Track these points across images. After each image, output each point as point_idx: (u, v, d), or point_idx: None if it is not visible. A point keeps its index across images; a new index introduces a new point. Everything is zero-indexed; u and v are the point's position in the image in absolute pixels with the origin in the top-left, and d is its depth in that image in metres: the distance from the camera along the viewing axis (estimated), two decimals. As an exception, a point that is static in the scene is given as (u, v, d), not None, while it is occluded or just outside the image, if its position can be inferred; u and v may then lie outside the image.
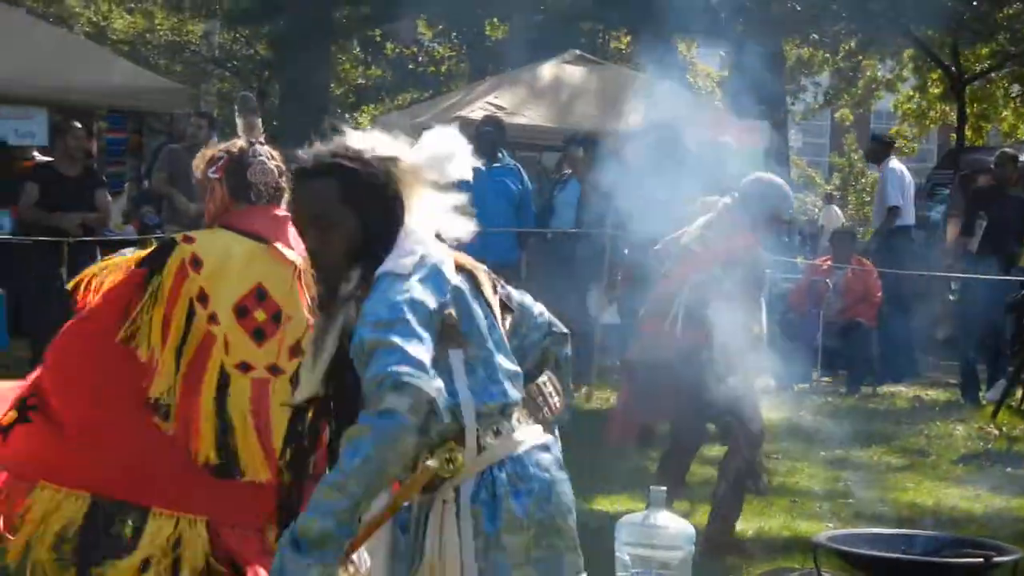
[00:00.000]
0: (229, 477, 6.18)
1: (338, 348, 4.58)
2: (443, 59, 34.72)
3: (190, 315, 6.23)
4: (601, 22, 28.77)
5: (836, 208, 30.79)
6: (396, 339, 4.30)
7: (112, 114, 21.72)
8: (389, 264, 4.51)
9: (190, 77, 33.99)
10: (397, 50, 34.94)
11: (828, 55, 32.52)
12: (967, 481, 12.34)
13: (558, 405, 5.03)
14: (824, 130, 45.03)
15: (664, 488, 8.68)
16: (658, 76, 24.06)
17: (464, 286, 4.67)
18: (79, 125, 17.46)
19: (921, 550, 8.77)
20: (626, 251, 15.23)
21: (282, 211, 6.37)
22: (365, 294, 4.50)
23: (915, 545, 8.87)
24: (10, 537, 6.14)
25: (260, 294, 6.27)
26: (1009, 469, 12.71)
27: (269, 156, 6.54)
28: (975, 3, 27.62)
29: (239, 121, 7.02)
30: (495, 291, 4.84)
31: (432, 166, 4.77)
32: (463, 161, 4.87)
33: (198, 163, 6.56)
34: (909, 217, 17.97)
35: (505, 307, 4.88)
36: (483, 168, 16.90)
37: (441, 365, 4.45)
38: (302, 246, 6.07)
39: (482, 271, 4.83)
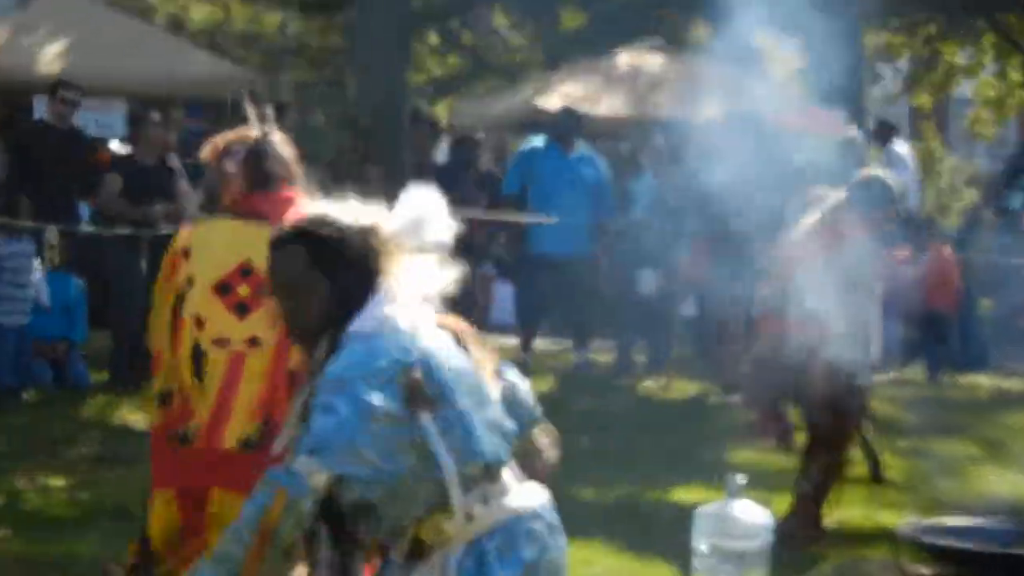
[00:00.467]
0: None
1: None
2: (519, 48, 34.73)
3: (182, 301, 6.33)
4: (679, 10, 28.74)
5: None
6: (339, 403, 4.37)
7: (191, 104, 21.83)
8: (355, 325, 4.55)
9: (266, 67, 34.11)
10: (473, 40, 35.01)
11: (906, 41, 32.39)
12: (1047, 472, 12.35)
13: (553, 459, 5.05)
14: (903, 116, 44.80)
15: (742, 478, 8.77)
16: (737, 65, 24.13)
17: (442, 345, 4.67)
18: (157, 116, 17.60)
19: (1001, 542, 8.79)
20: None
21: (290, 192, 6.45)
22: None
23: (994, 536, 8.89)
24: None
25: (245, 271, 6.28)
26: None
27: (283, 144, 6.61)
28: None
29: (251, 110, 7.06)
30: (486, 355, 4.85)
31: (410, 232, 4.72)
32: (440, 224, 4.76)
33: (209, 152, 6.60)
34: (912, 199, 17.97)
35: (497, 373, 4.90)
36: (561, 156, 17.10)
37: (414, 427, 4.48)
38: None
39: (471, 334, 4.83)
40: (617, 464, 12.35)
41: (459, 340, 4.76)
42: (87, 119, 17.68)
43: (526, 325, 17.10)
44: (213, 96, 21.89)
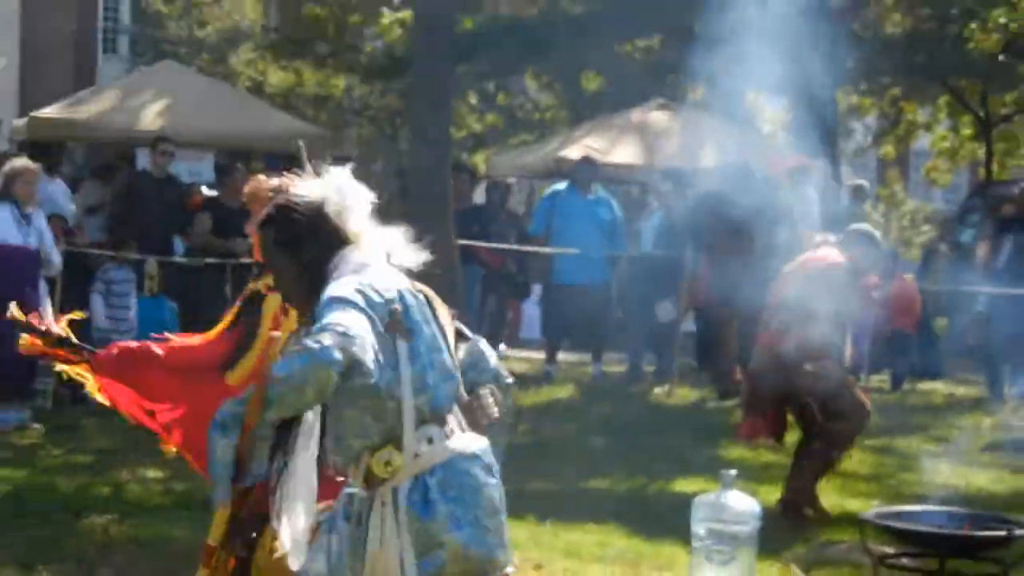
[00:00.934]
0: None
1: None
2: (546, 108, 34.74)
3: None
4: (682, 74, 28.76)
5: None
6: (339, 309, 4.33)
7: (268, 156, 21.87)
8: (331, 288, 4.50)
9: (333, 125, 34.14)
10: (507, 100, 35.02)
11: (874, 101, 32.36)
12: (992, 465, 12.29)
13: (497, 415, 4.86)
14: (871, 165, 44.68)
15: (734, 472, 8.75)
16: (730, 121, 24.09)
17: (414, 300, 4.66)
18: (240, 166, 17.63)
19: (953, 525, 8.77)
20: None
21: None
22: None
23: (948, 520, 8.88)
24: None
25: None
26: (1028, 456, 12.67)
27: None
28: (1001, 58, 27.48)
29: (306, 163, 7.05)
30: (452, 318, 4.84)
31: (344, 202, 4.75)
32: (360, 195, 4.79)
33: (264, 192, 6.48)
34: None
35: (461, 335, 4.88)
36: (581, 199, 17.10)
37: (389, 350, 4.47)
38: None
39: (438, 300, 4.82)
40: (627, 460, 12.33)
41: (428, 300, 4.76)
42: (181, 168, 17.75)
43: (550, 342, 17.12)
44: (287, 149, 21.94)
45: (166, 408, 6.32)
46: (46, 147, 18.69)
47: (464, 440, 4.67)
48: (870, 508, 9.36)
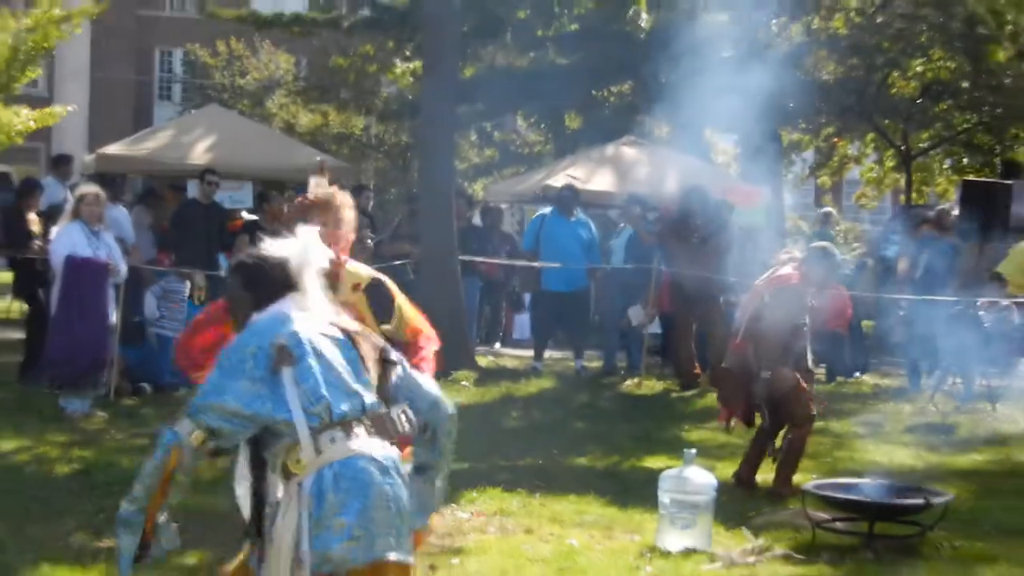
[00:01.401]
0: None
1: None
2: (534, 143, 34.73)
3: None
4: (649, 115, 28.78)
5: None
6: (214, 372, 4.72)
7: (299, 186, 21.85)
8: (254, 319, 4.88)
9: (354, 158, 34.13)
10: (502, 137, 35.00)
11: (812, 138, 32.42)
12: (912, 445, 12.29)
13: (407, 431, 4.92)
14: (810, 192, 44.73)
15: (694, 450, 8.75)
16: (689, 154, 24.09)
17: (315, 332, 4.81)
18: (275, 194, 17.60)
19: (880, 494, 8.79)
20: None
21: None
22: None
23: (875, 491, 8.89)
24: None
25: None
26: (942, 436, 12.64)
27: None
28: (919, 101, 27.56)
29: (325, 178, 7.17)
30: (377, 354, 4.96)
31: (302, 259, 4.98)
32: (320, 255, 5.03)
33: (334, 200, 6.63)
34: None
35: (387, 362, 4.98)
36: (564, 221, 17.06)
37: (273, 381, 4.66)
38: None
39: (365, 337, 4.98)
40: (604, 441, 12.32)
41: (350, 337, 4.91)
42: (224, 196, 17.72)
43: (539, 341, 17.10)
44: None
45: None
46: (111, 178, 18.66)
47: (366, 444, 4.74)
48: (809, 481, 9.36)
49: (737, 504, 9.58)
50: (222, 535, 7.52)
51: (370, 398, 4.80)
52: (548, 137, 33.37)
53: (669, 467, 8.97)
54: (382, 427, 4.81)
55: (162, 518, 4.78)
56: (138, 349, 14.36)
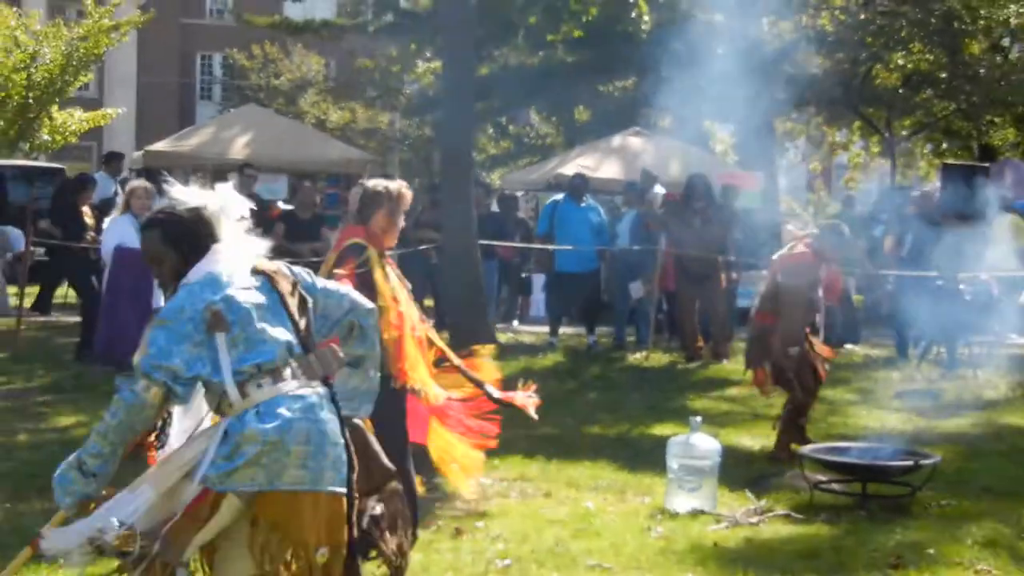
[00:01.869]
0: None
1: None
2: (546, 135, 34.65)
3: None
4: (652, 108, 28.67)
5: (791, 227, 30.20)
6: (158, 334, 4.47)
7: (330, 177, 21.83)
8: (186, 278, 4.61)
9: (380, 151, 34.10)
10: (516, 130, 34.94)
11: (803, 127, 32.31)
12: (901, 409, 12.19)
13: (335, 369, 4.80)
14: (802, 176, 44.57)
15: (699, 418, 8.67)
16: (689, 143, 23.98)
17: (244, 286, 4.61)
18: (308, 184, 17.55)
19: (871, 456, 8.73)
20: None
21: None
22: None
23: (867, 453, 8.86)
24: None
25: None
26: (929, 401, 12.53)
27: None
28: (901, 91, 27.44)
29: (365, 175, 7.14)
30: (294, 288, 4.75)
31: (225, 207, 4.76)
32: (236, 204, 4.81)
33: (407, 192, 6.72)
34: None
35: (304, 297, 4.78)
36: (575, 206, 16.95)
37: (210, 344, 4.48)
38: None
39: (281, 273, 4.76)
40: (615, 410, 12.25)
41: (270, 279, 4.70)
42: (261, 188, 17.67)
43: (553, 318, 17.02)
44: (345, 171, 21.90)
45: None
46: (157, 173, 18.60)
47: (292, 385, 4.58)
48: (806, 445, 9.29)
49: (740, 468, 9.49)
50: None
51: (293, 341, 4.64)
52: (559, 129, 33.30)
53: (676, 434, 8.88)
54: (308, 367, 4.64)
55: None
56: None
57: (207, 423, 4.69)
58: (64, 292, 19.32)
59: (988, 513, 8.27)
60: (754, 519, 8.08)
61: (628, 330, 16.95)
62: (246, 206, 4.83)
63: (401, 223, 6.78)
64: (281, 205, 17.86)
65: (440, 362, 6.95)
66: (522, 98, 28.68)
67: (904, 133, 30.82)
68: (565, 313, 17.48)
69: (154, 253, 4.69)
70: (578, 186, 16.80)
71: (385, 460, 5.45)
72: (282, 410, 4.49)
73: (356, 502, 4.69)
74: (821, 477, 8.77)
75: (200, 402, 4.71)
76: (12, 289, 18.06)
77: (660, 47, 22.67)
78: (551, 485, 9.01)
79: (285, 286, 4.70)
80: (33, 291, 18.29)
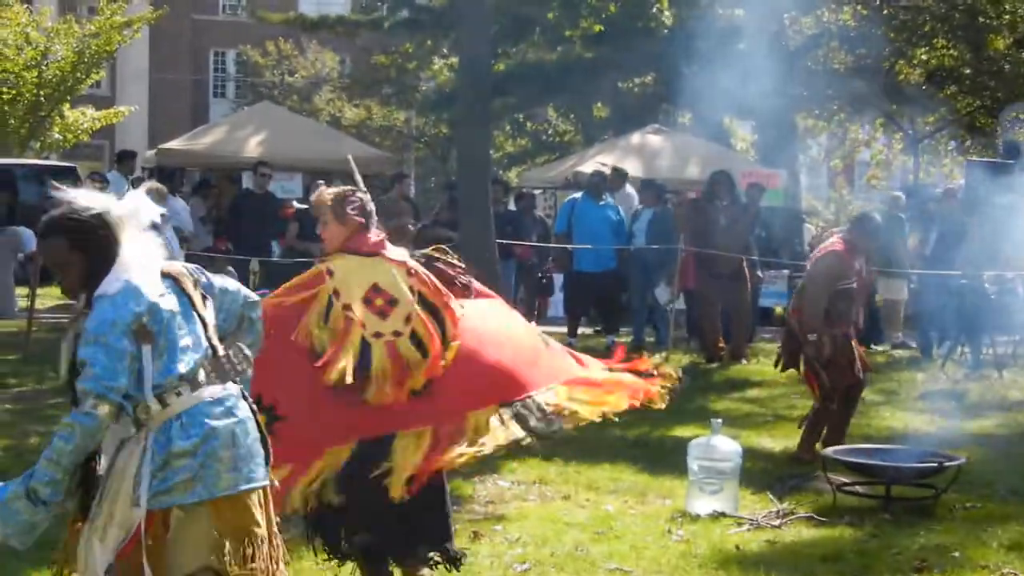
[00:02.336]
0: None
1: (74, 349, 4.55)
2: (564, 132, 34.66)
3: (330, 305, 6.12)
4: (672, 104, 28.66)
5: (809, 226, 29.95)
6: (98, 354, 4.39)
7: (345, 176, 21.87)
8: (101, 288, 4.51)
9: (396, 149, 34.14)
10: (534, 127, 34.96)
11: (825, 123, 32.26)
12: (925, 411, 12.16)
13: (244, 368, 4.82)
14: (823, 174, 44.49)
15: (720, 420, 8.67)
16: (708, 140, 23.96)
17: (161, 293, 4.59)
18: (323, 183, 17.51)
19: (895, 458, 8.72)
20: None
21: (378, 234, 6.30)
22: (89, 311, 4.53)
23: (891, 455, 8.84)
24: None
25: (376, 288, 6.14)
26: (953, 402, 12.50)
27: (369, 199, 6.45)
28: (924, 88, 27.40)
29: (358, 178, 6.99)
30: (196, 287, 4.72)
31: (132, 214, 4.66)
32: (149, 211, 4.73)
33: (326, 199, 6.34)
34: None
35: (205, 296, 4.76)
36: (594, 205, 16.92)
37: (137, 356, 4.46)
38: (403, 252, 6.25)
39: (185, 275, 4.73)
40: (634, 412, 12.18)
41: (177, 283, 4.68)
42: (276, 187, 17.71)
43: (572, 318, 17.03)
44: (361, 170, 21.92)
45: None
46: (170, 172, 18.71)
47: (209, 390, 4.63)
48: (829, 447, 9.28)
49: (762, 470, 9.49)
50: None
51: (204, 344, 4.68)
52: (577, 127, 33.33)
53: (697, 436, 8.88)
54: (220, 369, 4.70)
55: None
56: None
57: (117, 434, 4.65)
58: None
59: (1014, 516, 8.25)
60: (776, 522, 8.08)
61: (646, 330, 16.94)
62: (158, 213, 4.79)
63: (322, 229, 6.41)
64: (296, 204, 17.90)
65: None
66: (540, 95, 28.69)
67: (927, 130, 30.77)
68: (584, 313, 17.49)
69: (60, 260, 4.59)
70: (596, 184, 16.79)
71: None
72: (205, 418, 4.58)
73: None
74: (844, 479, 8.75)
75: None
76: (23, 291, 18.09)
77: (680, 43, 22.69)
78: (570, 488, 9.02)
79: (191, 288, 4.71)
80: (45, 292, 18.34)
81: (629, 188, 17.63)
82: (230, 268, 15.11)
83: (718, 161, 19.46)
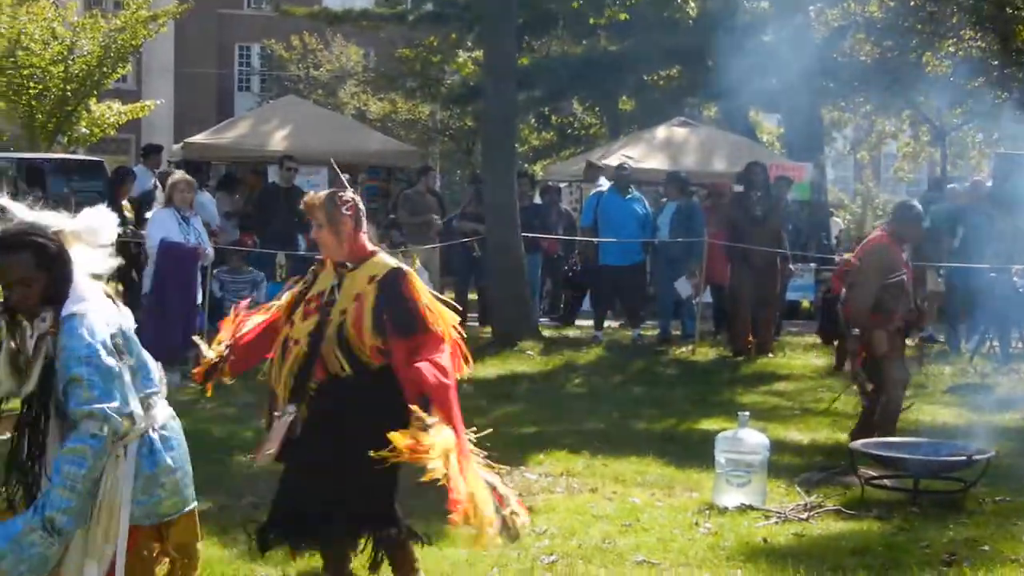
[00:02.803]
0: None
1: (44, 365, 4.53)
2: (590, 125, 34.61)
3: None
4: (697, 97, 28.60)
5: (836, 219, 29.85)
6: (93, 376, 4.40)
7: (370, 168, 21.88)
8: (71, 307, 4.50)
9: (421, 142, 34.14)
10: (559, 120, 34.91)
11: (851, 116, 32.18)
12: (953, 404, 12.15)
13: (166, 384, 4.91)
14: (849, 167, 44.35)
15: (748, 413, 8.67)
16: (734, 133, 23.91)
17: (117, 310, 4.67)
18: (348, 176, 17.52)
19: (923, 452, 8.70)
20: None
21: (367, 236, 6.19)
22: (57, 329, 4.49)
23: (919, 448, 8.82)
24: None
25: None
26: (980, 396, 12.46)
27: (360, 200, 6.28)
28: (951, 79, 27.30)
29: (343, 177, 6.94)
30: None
31: (88, 232, 4.72)
32: (109, 230, 4.80)
33: (318, 201, 6.15)
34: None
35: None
36: (620, 198, 16.90)
37: (119, 373, 4.49)
38: (390, 261, 6.13)
39: (115, 294, 4.80)
40: (662, 405, 12.26)
41: (114, 301, 4.73)
42: (301, 180, 17.75)
43: (598, 312, 17.04)
44: (385, 163, 21.96)
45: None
46: (196, 166, 18.75)
47: (164, 405, 4.80)
48: (858, 440, 9.26)
49: (790, 463, 9.49)
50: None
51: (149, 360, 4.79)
52: (603, 120, 33.25)
53: (724, 429, 8.89)
54: (161, 385, 4.84)
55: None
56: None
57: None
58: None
59: (1044, 509, 8.24)
60: (804, 515, 8.08)
61: (673, 323, 16.95)
62: (115, 232, 4.82)
63: (315, 232, 6.24)
64: (322, 198, 17.94)
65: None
66: (565, 88, 28.66)
67: (955, 122, 30.66)
68: (610, 307, 17.49)
69: (23, 276, 4.55)
70: (622, 177, 16.78)
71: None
72: (174, 434, 4.77)
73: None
74: (872, 472, 8.75)
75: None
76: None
77: (706, 35, 22.65)
78: (597, 480, 9.04)
79: (123, 306, 4.79)
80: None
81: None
82: (250, 268, 15.20)
83: (747, 154, 19.43)
